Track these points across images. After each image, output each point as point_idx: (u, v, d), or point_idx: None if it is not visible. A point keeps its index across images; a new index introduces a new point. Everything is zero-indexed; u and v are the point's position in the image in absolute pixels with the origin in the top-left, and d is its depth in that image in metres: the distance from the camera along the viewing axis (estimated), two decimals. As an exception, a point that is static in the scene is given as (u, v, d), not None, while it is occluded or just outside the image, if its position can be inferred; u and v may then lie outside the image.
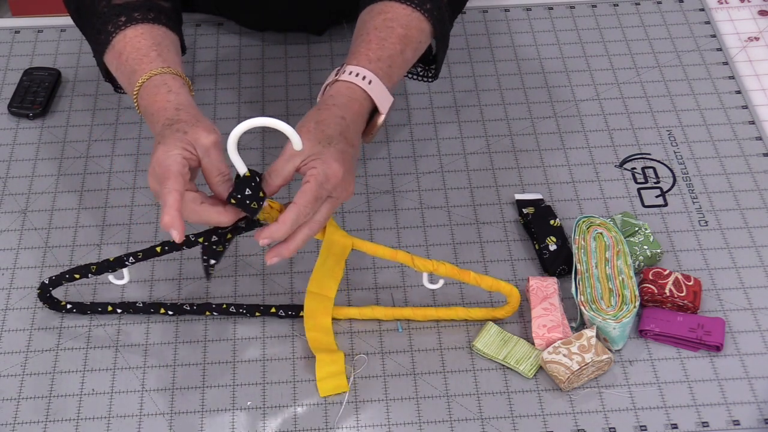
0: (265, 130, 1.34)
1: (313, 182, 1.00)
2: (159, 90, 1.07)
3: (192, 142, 1.01)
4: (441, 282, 1.12)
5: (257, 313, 1.14)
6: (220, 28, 1.49)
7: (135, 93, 1.08)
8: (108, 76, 1.18)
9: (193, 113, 1.04)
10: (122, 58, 1.11)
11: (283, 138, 1.02)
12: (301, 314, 1.13)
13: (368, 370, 1.10)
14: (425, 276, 1.11)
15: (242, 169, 1.00)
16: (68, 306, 1.15)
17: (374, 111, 1.11)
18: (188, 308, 1.14)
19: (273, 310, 1.14)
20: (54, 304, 1.15)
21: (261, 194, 1.01)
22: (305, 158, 1.02)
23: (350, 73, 1.09)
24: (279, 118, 0.97)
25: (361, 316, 1.14)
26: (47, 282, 1.12)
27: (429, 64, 1.23)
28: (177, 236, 0.97)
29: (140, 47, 1.10)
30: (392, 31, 1.13)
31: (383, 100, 1.11)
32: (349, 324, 1.14)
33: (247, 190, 1.00)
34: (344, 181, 1.03)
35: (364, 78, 1.09)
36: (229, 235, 1.04)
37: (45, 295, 1.14)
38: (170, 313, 1.14)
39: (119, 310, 1.15)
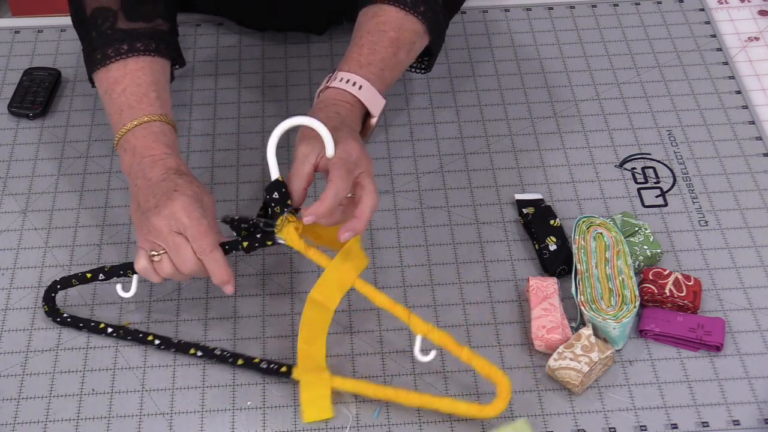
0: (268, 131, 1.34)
1: (338, 160, 1.03)
2: (158, 138, 1.09)
3: (200, 197, 1.05)
4: (432, 354, 1.03)
5: (240, 361, 1.10)
6: (220, 28, 1.49)
7: (128, 127, 1.10)
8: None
9: (192, 176, 1.09)
10: (118, 87, 1.12)
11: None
12: (281, 370, 1.09)
13: (368, 370, 1.10)
14: (417, 343, 1.03)
15: (275, 173, 1.03)
16: (66, 317, 1.14)
17: (367, 115, 1.14)
18: (176, 342, 1.12)
19: (256, 360, 1.10)
20: (53, 311, 1.14)
21: (288, 201, 1.03)
22: (318, 154, 1.05)
23: (340, 79, 1.12)
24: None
25: (350, 388, 1.08)
26: (58, 282, 1.13)
27: (421, 55, 1.25)
28: (231, 289, 1.05)
29: (140, 83, 1.12)
30: (384, 34, 1.15)
31: (374, 103, 1.13)
32: (349, 324, 1.14)
33: (275, 193, 1.03)
34: (363, 154, 1.06)
35: (354, 84, 1.11)
36: (245, 243, 1.05)
37: (50, 294, 1.14)
38: (163, 347, 1.12)
39: (110, 330, 1.13)
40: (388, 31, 1.15)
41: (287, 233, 1.04)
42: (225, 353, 1.10)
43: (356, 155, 1.04)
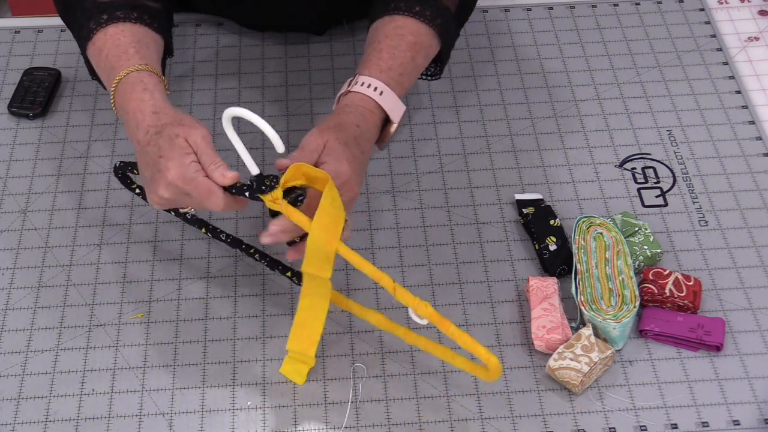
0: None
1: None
2: (135, 88, 1.07)
3: (187, 142, 1.01)
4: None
5: (277, 269, 1.17)
6: (220, 28, 1.49)
7: (112, 90, 1.10)
8: (94, 74, 1.19)
9: (172, 113, 1.04)
10: (102, 55, 1.12)
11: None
12: (287, 274, 1.16)
13: (368, 370, 1.10)
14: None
15: (254, 169, 1.00)
16: (137, 190, 1.21)
17: (386, 119, 1.14)
18: (224, 238, 1.19)
19: (289, 274, 1.16)
20: (126, 183, 1.20)
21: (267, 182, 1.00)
22: (322, 151, 1.04)
23: (362, 84, 1.12)
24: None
25: (358, 313, 1.11)
26: (119, 164, 1.17)
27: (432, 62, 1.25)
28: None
29: (119, 44, 1.11)
30: (402, 39, 1.16)
31: (395, 109, 1.13)
32: (349, 324, 1.14)
33: (259, 184, 1.00)
34: (350, 182, 1.05)
35: (375, 89, 1.12)
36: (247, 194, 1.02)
37: (118, 173, 1.19)
38: (209, 234, 1.20)
39: (172, 212, 1.20)
40: (406, 35, 1.16)
41: (274, 205, 1.00)
42: (264, 259, 1.18)
43: (342, 180, 1.04)
